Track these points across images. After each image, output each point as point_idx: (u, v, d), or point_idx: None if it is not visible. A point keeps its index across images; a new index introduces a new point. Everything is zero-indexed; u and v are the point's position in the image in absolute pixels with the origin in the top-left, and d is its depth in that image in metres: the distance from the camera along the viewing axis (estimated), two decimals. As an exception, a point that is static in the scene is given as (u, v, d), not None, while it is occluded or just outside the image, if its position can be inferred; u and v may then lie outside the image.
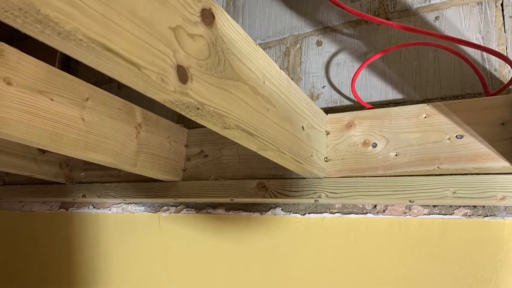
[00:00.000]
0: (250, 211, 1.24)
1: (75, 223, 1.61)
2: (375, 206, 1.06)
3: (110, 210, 1.54)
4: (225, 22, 0.62)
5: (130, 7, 0.45)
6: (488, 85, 1.04)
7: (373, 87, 1.18)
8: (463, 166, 0.92)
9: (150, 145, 1.15)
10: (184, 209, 1.37)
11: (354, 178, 1.03)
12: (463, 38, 1.09)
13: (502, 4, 1.07)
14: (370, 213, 1.07)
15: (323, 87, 1.26)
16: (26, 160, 1.40)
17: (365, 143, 1.04)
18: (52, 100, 0.89)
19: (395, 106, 1.09)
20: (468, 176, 0.92)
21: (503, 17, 1.06)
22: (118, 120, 1.05)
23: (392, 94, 1.15)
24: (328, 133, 1.08)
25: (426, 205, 1.01)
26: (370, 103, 1.16)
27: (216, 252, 1.27)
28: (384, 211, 1.05)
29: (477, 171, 0.92)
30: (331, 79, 1.25)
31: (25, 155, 1.40)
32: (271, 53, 1.39)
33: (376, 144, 1.02)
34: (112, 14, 0.43)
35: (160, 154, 1.19)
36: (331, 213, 1.12)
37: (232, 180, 1.21)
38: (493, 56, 1.03)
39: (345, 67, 1.24)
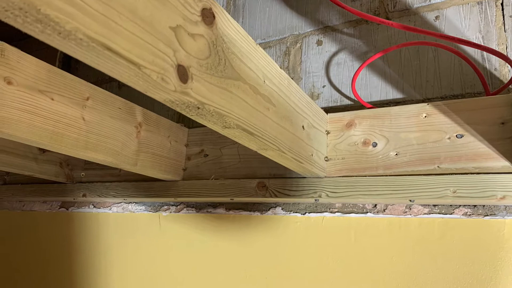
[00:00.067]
0: (250, 211, 1.24)
1: (76, 223, 1.61)
2: (375, 205, 1.06)
3: (110, 209, 1.54)
4: (226, 22, 0.62)
5: (130, 7, 0.45)
6: (488, 85, 1.04)
7: (373, 86, 1.18)
8: (463, 165, 0.92)
9: (150, 144, 1.15)
10: (185, 209, 1.37)
11: (354, 177, 1.03)
12: (463, 38, 1.09)
13: (502, 4, 1.07)
14: (370, 212, 1.07)
15: (323, 86, 1.26)
16: (27, 159, 1.41)
17: (365, 143, 1.04)
18: (52, 99, 0.89)
19: (395, 105, 1.09)
20: (468, 175, 0.92)
21: (503, 17, 1.06)
22: (119, 120, 1.05)
23: (392, 93, 1.15)
24: (328, 133, 1.08)
25: (426, 205, 1.01)
26: (370, 102, 1.16)
27: (216, 252, 1.27)
28: (384, 210, 1.05)
29: (477, 171, 0.92)
30: (331, 79, 1.25)
31: (25, 155, 1.40)
32: (272, 52, 1.39)
33: (376, 144, 1.02)
34: (113, 13, 0.43)
35: (160, 153, 1.19)
36: (331, 212, 1.12)
37: (233, 179, 1.21)
38: (493, 56, 1.03)
39: (345, 67, 1.24)
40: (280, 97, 0.81)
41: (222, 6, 1.48)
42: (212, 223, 1.30)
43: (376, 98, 1.17)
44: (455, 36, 0.96)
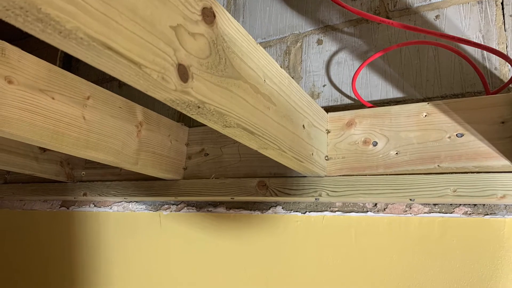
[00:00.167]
0: (250, 210, 1.24)
1: (76, 222, 1.62)
2: (376, 204, 1.07)
3: (111, 208, 1.54)
4: (226, 21, 0.63)
5: (131, 6, 0.45)
6: (488, 84, 1.04)
7: (374, 85, 1.18)
8: (463, 164, 0.92)
9: (151, 143, 1.15)
10: (185, 208, 1.37)
11: (355, 176, 1.03)
12: (463, 37, 1.09)
13: (502, 3, 1.07)
14: (370, 211, 1.07)
15: (324, 85, 1.26)
16: (27, 158, 1.41)
17: (365, 142, 1.04)
18: (53, 98, 0.90)
19: (396, 104, 1.10)
20: (468, 174, 0.93)
21: (503, 16, 1.06)
22: (119, 119, 1.05)
23: (392, 92, 1.15)
24: (328, 132, 1.08)
25: (426, 204, 1.01)
26: (370, 101, 1.16)
27: (216, 251, 1.28)
28: (384, 209, 1.05)
29: (477, 170, 0.92)
30: (331, 78, 1.26)
31: (26, 154, 1.41)
32: (272, 51, 1.39)
33: (377, 143, 1.02)
34: (113, 12, 0.43)
35: (161, 152, 1.19)
36: (331, 211, 1.12)
37: (233, 178, 1.21)
38: (493, 55, 1.03)
39: (345, 66, 1.24)
40: (281, 96, 0.81)
41: (223, 6, 1.48)
42: (212, 222, 1.30)
43: (376, 97, 1.17)
44: (455, 35, 0.96)
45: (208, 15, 0.58)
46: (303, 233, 1.15)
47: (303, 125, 0.93)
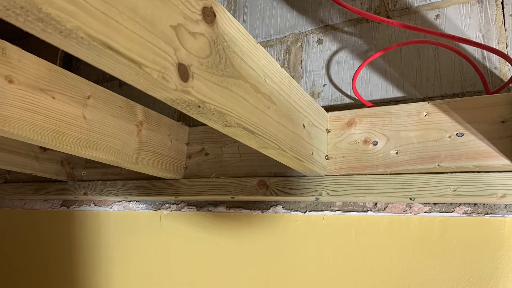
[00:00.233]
0: (251, 209, 1.24)
1: (77, 221, 1.62)
2: (376, 204, 1.07)
3: (111, 208, 1.54)
4: (226, 20, 0.63)
5: (131, 6, 0.45)
6: (489, 83, 1.04)
7: (374, 85, 1.18)
8: (463, 164, 0.92)
9: (151, 143, 1.15)
10: (185, 207, 1.37)
11: (355, 176, 1.04)
12: (463, 36, 1.09)
13: (502, 3, 1.07)
14: (370, 211, 1.07)
15: (324, 85, 1.26)
16: (28, 158, 1.41)
17: (365, 141, 1.04)
18: (53, 98, 0.90)
19: (396, 104, 1.10)
20: (468, 174, 0.93)
21: (504, 16, 1.06)
22: (120, 118, 1.05)
23: (392, 92, 1.15)
24: (329, 131, 1.08)
25: (426, 203, 1.01)
26: (370, 101, 1.16)
27: (217, 250, 1.28)
28: (384, 209, 1.05)
29: (477, 169, 0.92)
30: (331, 77, 1.26)
31: (27, 153, 1.41)
32: (272, 51, 1.39)
33: (377, 142, 1.02)
34: (113, 12, 0.43)
35: (161, 152, 1.19)
36: (331, 211, 1.12)
37: (233, 178, 1.21)
38: (494, 54, 1.03)
39: (346, 65, 1.24)
40: (281, 96, 0.81)
41: (223, 5, 1.48)
42: (212, 222, 1.30)
43: (376, 96, 1.17)
44: (456, 34, 0.96)
45: (209, 15, 0.58)
46: (303, 232, 1.15)
47: (304, 125, 0.93)
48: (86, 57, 0.45)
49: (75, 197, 1.56)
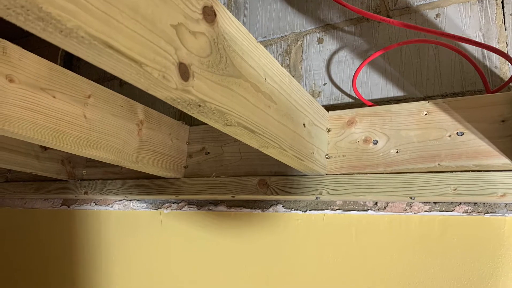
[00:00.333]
0: (251, 208, 1.25)
1: (77, 220, 1.62)
2: (376, 203, 1.07)
3: (112, 207, 1.54)
4: (227, 20, 0.63)
5: (131, 5, 0.45)
6: (489, 82, 1.04)
7: (374, 84, 1.18)
8: (463, 163, 0.92)
9: (151, 142, 1.15)
10: (186, 206, 1.37)
11: (355, 175, 1.04)
12: (463, 36, 1.09)
13: (502, 2, 1.07)
14: (371, 210, 1.07)
15: (324, 84, 1.26)
16: (29, 157, 1.41)
17: (366, 140, 1.04)
18: (54, 97, 0.90)
19: (396, 103, 1.10)
20: (468, 173, 0.93)
21: (504, 15, 1.06)
22: (120, 117, 1.05)
23: (393, 91, 1.15)
24: (329, 130, 1.08)
25: (427, 202, 1.01)
26: (371, 100, 1.16)
27: (217, 249, 1.28)
28: (385, 208, 1.05)
29: (477, 168, 0.92)
30: (332, 77, 1.26)
31: (27, 152, 1.41)
32: (273, 50, 1.39)
33: (377, 141, 1.02)
34: (114, 11, 0.43)
35: (161, 151, 1.19)
36: (332, 210, 1.12)
37: (234, 177, 1.21)
38: (494, 54, 1.03)
39: (346, 65, 1.24)
40: (281, 95, 0.81)
41: (224, 4, 1.48)
42: (213, 221, 1.31)
43: (376, 96, 1.17)
44: (456, 34, 0.96)
45: (209, 14, 0.58)
46: (303, 231, 1.15)
47: (304, 124, 0.93)
48: (87, 56, 0.45)
49: (75, 196, 1.56)
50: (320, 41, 1.30)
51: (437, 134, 0.96)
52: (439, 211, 1.00)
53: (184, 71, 0.53)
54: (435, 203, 1.00)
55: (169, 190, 1.31)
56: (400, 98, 1.14)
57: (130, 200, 1.50)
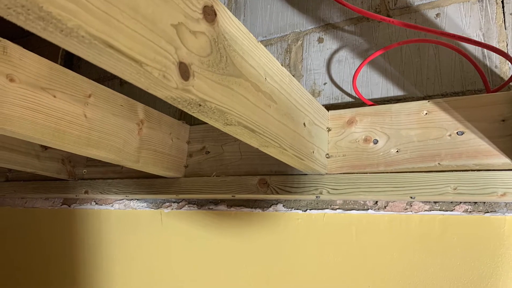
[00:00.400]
0: (251, 207, 1.25)
1: (78, 220, 1.62)
2: (376, 202, 1.07)
3: (112, 206, 1.54)
4: (227, 19, 0.63)
5: (132, 4, 0.45)
6: (489, 82, 1.04)
7: (374, 83, 1.18)
8: (464, 162, 0.92)
9: (152, 141, 1.15)
10: (186, 205, 1.37)
11: (356, 174, 1.04)
12: (464, 35, 1.09)
13: (502, 1, 1.07)
14: (371, 209, 1.07)
15: (325, 83, 1.26)
16: (29, 156, 1.41)
17: (366, 140, 1.04)
18: (54, 96, 0.90)
19: (396, 102, 1.10)
20: (469, 172, 0.93)
21: (504, 14, 1.06)
22: (120, 117, 1.05)
23: (393, 90, 1.15)
24: (329, 130, 1.08)
25: (427, 201, 1.01)
26: (371, 99, 1.16)
27: (217, 248, 1.28)
28: (385, 207, 1.05)
29: (478, 168, 0.92)
30: (332, 76, 1.26)
31: (28, 152, 1.41)
32: (273, 50, 1.39)
33: (377, 141, 1.02)
34: (114, 11, 0.43)
35: (162, 150, 1.19)
36: (332, 209, 1.12)
37: (234, 176, 1.21)
38: (494, 53, 1.03)
39: (346, 64, 1.25)
40: (282, 95, 0.81)
41: (224, 4, 1.48)
42: (213, 220, 1.31)
43: (377, 95, 1.17)
44: (456, 33, 0.97)
45: (209, 13, 0.58)
46: (304, 231, 1.15)
47: (304, 123, 0.93)
48: (87, 55, 0.45)
49: (76, 196, 1.56)
50: (320, 40, 1.30)
51: (437, 133, 0.96)
52: (439, 210, 1.00)
53: (184, 71, 0.54)
54: (435, 202, 1.00)
55: (169, 190, 1.31)
56: (400, 98, 1.14)
57: (131, 200, 1.50)
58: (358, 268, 1.06)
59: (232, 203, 1.28)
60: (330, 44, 1.28)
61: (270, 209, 1.21)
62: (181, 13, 0.53)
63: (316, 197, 1.09)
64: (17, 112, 0.83)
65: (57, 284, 1.60)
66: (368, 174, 1.02)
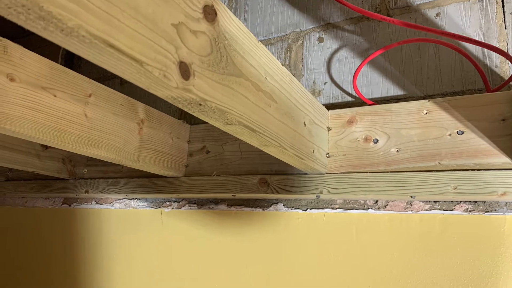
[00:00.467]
0: (252, 207, 1.25)
1: (78, 219, 1.62)
2: (377, 201, 1.07)
3: (112, 205, 1.54)
4: (227, 19, 0.63)
5: (132, 4, 0.45)
6: (489, 81, 1.04)
7: (375, 83, 1.18)
8: (464, 162, 0.92)
9: (152, 141, 1.15)
10: (187, 205, 1.37)
11: (356, 174, 1.04)
12: (464, 35, 1.09)
13: (502, 1, 1.07)
14: (371, 208, 1.07)
15: (325, 83, 1.26)
16: (30, 156, 1.41)
17: (366, 139, 1.04)
18: (55, 96, 0.90)
19: (396, 102, 1.10)
20: (469, 172, 0.93)
21: (504, 14, 1.06)
22: (121, 116, 1.05)
23: (393, 90, 1.15)
24: (329, 129, 1.08)
25: (427, 201, 1.01)
26: (371, 99, 1.16)
27: (218, 248, 1.28)
28: (385, 206, 1.06)
29: (478, 167, 0.92)
30: (332, 75, 1.26)
31: (28, 151, 1.41)
32: (273, 49, 1.39)
33: (378, 140, 1.02)
34: (115, 10, 0.43)
35: (162, 150, 1.19)
36: (332, 208, 1.12)
37: (234, 175, 1.21)
38: (494, 53, 1.03)
39: (346, 64, 1.25)
40: (282, 94, 0.81)
41: (224, 3, 1.48)
42: (214, 219, 1.31)
43: (377, 94, 1.17)
44: (456, 33, 0.97)
45: (210, 13, 0.58)
46: (304, 230, 1.15)
47: (304, 123, 0.93)
48: (88, 55, 0.45)
49: (76, 195, 1.56)
50: (320, 40, 1.30)
51: (437, 133, 0.96)
52: (440, 209, 1.00)
53: (184, 70, 0.54)
54: (435, 201, 1.00)
55: (170, 189, 1.31)
56: (401, 97, 1.14)
57: (131, 199, 1.50)
58: (358, 267, 1.06)
59: (233, 203, 1.28)
60: (330, 44, 1.28)
61: (271, 208, 1.21)
62: (182, 12, 0.53)
63: (317, 196, 1.09)
64: (18, 112, 0.83)
65: (57, 283, 1.61)
66: (368, 173, 1.02)
